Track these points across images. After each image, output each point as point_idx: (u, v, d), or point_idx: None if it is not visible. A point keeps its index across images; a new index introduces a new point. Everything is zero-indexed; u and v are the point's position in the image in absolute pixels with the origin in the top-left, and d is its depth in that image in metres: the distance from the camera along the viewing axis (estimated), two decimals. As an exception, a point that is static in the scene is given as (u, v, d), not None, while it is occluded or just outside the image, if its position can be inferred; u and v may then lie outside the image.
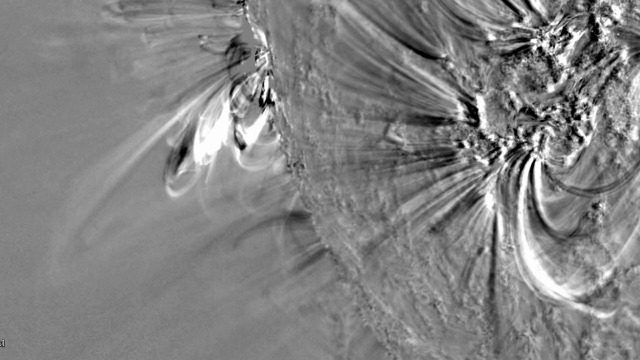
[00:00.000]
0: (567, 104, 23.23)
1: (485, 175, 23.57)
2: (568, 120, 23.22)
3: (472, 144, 23.61)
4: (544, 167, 23.40)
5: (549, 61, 23.17)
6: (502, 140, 23.51)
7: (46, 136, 24.07)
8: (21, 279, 23.62)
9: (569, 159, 23.30)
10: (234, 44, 24.62)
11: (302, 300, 23.93)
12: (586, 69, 23.09)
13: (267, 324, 23.81)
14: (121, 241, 23.84)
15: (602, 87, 23.02)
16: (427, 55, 23.71)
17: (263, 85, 24.52)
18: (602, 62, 22.97)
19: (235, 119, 24.42)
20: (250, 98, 24.54)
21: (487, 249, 23.52)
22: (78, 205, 23.90)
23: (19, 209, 23.83)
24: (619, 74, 22.96)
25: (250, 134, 24.46)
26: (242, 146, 24.37)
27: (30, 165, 23.95)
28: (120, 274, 23.77)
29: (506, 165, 23.48)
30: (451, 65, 23.62)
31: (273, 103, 24.46)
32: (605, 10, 22.92)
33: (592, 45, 23.04)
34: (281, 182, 24.34)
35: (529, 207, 23.42)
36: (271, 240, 24.08)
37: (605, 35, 22.94)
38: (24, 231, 23.76)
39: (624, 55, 22.89)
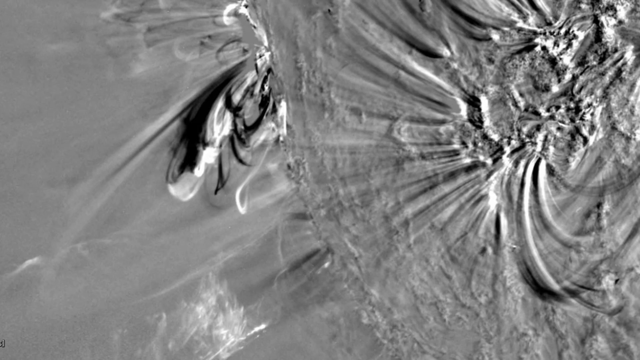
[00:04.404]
0: (572, 104, 23.22)
1: (489, 175, 23.58)
2: (572, 120, 23.21)
3: (475, 144, 23.59)
4: (548, 166, 23.42)
5: (553, 61, 23.13)
6: (506, 140, 23.49)
7: (47, 138, 23.96)
8: (22, 279, 23.61)
9: (573, 159, 23.33)
10: (234, 43, 24.50)
11: (301, 300, 24.03)
12: (590, 69, 23.07)
13: (266, 325, 23.93)
14: (122, 242, 23.85)
15: (607, 87, 23.01)
16: (431, 54, 23.61)
17: (264, 85, 24.46)
18: (607, 62, 22.94)
19: (236, 119, 24.37)
20: (251, 97, 24.49)
21: (490, 249, 23.58)
22: (80, 207, 23.86)
23: (20, 211, 23.76)
24: (624, 74, 22.94)
25: (251, 134, 24.44)
26: (242, 145, 24.36)
27: (31, 167, 23.86)
28: (120, 275, 23.80)
29: (510, 165, 23.48)
30: (455, 65, 23.54)
31: (274, 102, 24.40)
32: (610, 10, 22.86)
33: (596, 45, 22.99)
34: (282, 181, 24.34)
35: (532, 207, 23.46)
36: (271, 240, 24.15)
37: (610, 35, 22.88)
38: (25, 232, 23.71)
39: (629, 55, 22.86)
